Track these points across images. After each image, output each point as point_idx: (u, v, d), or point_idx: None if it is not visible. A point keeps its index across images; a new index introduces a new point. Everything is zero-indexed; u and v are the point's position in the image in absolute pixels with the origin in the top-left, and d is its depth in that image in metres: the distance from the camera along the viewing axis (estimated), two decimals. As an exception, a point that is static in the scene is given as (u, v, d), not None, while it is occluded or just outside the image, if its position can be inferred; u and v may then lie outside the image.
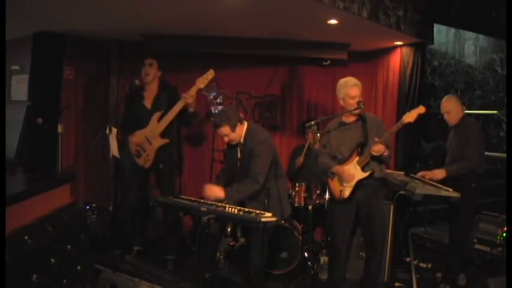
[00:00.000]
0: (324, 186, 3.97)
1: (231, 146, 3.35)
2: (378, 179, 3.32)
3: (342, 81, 3.33)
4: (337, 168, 3.29)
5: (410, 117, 3.14)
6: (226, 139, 3.23)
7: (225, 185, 3.20)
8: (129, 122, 4.04)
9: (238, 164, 3.30)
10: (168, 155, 4.04)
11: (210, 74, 3.68)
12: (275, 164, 3.26)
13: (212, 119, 3.51)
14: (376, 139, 3.12)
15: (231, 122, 3.14)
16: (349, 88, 3.24)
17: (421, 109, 3.15)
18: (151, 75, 3.93)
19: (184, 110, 3.81)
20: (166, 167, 4.00)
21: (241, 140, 3.24)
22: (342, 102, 3.31)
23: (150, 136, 3.87)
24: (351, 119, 3.31)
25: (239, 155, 3.30)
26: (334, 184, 3.37)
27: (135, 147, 3.91)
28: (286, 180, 3.36)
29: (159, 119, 3.85)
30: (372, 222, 3.33)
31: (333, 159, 3.35)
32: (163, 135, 3.88)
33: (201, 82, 3.68)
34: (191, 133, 5.04)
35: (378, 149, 3.09)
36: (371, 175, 3.23)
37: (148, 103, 3.96)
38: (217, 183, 3.40)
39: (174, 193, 4.11)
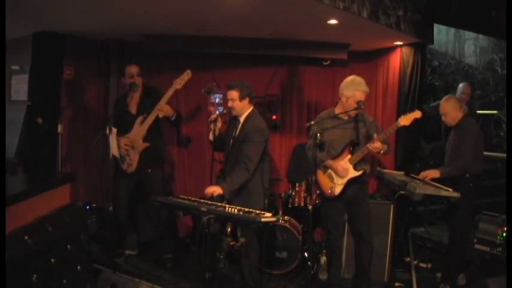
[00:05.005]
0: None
1: (231, 126, 3.48)
2: (366, 174, 3.38)
3: (356, 80, 3.29)
4: (330, 162, 3.32)
5: (406, 120, 3.19)
6: (230, 103, 3.35)
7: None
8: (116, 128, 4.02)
9: (232, 141, 3.40)
10: (155, 157, 4.00)
11: (187, 75, 3.69)
12: (264, 154, 3.34)
13: (209, 120, 3.55)
14: (375, 136, 3.17)
15: (243, 91, 3.31)
16: (360, 92, 3.24)
17: (417, 113, 3.19)
18: (140, 83, 3.95)
19: (166, 117, 3.84)
20: (155, 170, 3.99)
21: (241, 119, 3.36)
22: (343, 99, 3.30)
23: (134, 140, 3.88)
24: (346, 116, 3.32)
25: (235, 133, 3.39)
26: (324, 180, 3.39)
27: (123, 149, 3.89)
28: (266, 174, 3.40)
29: (142, 123, 3.86)
30: (360, 215, 3.39)
31: (326, 153, 3.37)
32: (146, 139, 3.87)
33: (178, 83, 3.70)
34: (191, 135, 5.04)
35: (376, 146, 3.13)
36: (363, 174, 3.26)
37: (133, 108, 3.97)
38: (218, 183, 3.41)
39: (166, 193, 4.11)
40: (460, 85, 5.22)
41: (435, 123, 5.05)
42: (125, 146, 3.88)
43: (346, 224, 3.72)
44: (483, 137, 3.79)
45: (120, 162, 3.97)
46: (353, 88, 3.25)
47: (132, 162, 3.90)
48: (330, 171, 3.36)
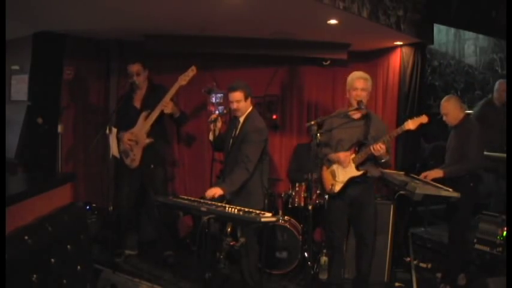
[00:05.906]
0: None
1: (231, 126, 3.51)
2: (371, 177, 3.36)
3: (353, 73, 3.40)
4: (332, 155, 3.34)
5: (412, 124, 3.16)
6: (234, 105, 3.35)
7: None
8: (121, 123, 4.04)
9: (231, 141, 3.41)
10: (157, 155, 4.00)
11: (192, 71, 3.70)
12: (264, 154, 3.35)
13: (209, 120, 3.55)
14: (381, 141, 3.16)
15: (246, 91, 3.33)
16: (354, 80, 3.31)
17: (424, 119, 3.16)
18: (141, 82, 3.95)
19: (170, 114, 3.84)
20: (157, 167, 3.99)
21: (241, 119, 3.38)
22: (348, 95, 3.37)
23: (137, 136, 3.88)
24: (357, 115, 3.35)
25: (234, 133, 3.41)
26: (327, 176, 3.41)
27: (127, 144, 3.89)
28: (265, 174, 3.42)
29: (146, 118, 3.86)
30: (363, 218, 3.39)
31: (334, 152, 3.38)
32: (150, 134, 3.88)
33: (183, 79, 3.70)
34: (191, 133, 5.04)
35: (378, 148, 3.11)
36: (364, 174, 3.26)
37: (137, 103, 3.98)
38: (217, 183, 3.41)
39: (167, 193, 4.11)
40: (497, 83, 4.94)
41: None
42: (129, 141, 3.88)
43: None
44: (484, 137, 3.78)
45: (124, 157, 3.96)
46: (351, 79, 3.34)
47: (135, 157, 3.90)
48: (333, 167, 3.36)
